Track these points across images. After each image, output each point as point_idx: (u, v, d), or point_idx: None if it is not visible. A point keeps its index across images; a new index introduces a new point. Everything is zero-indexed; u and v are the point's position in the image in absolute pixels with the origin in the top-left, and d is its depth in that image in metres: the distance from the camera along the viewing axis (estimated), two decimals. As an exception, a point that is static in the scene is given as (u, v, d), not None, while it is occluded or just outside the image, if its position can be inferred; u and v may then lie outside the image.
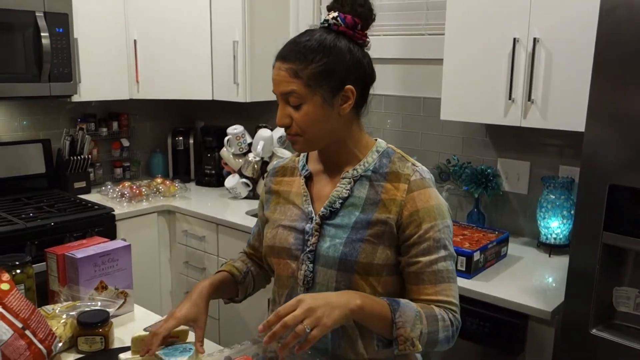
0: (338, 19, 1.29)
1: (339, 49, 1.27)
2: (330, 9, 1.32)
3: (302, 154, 1.48)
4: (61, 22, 2.88)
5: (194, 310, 1.37)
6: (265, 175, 1.55)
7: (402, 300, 1.25)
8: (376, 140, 1.41)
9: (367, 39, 1.34)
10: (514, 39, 2.17)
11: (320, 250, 1.33)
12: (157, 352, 1.32)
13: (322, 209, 1.35)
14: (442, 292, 1.28)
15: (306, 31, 1.32)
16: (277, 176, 1.50)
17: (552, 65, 2.11)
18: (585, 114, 1.69)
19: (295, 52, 1.27)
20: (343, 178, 1.36)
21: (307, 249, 1.34)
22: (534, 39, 2.12)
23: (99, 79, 3.17)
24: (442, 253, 1.29)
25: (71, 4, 2.92)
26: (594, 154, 1.68)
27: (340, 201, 1.34)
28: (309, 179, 1.43)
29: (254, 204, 3.18)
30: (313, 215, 1.36)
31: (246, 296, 1.57)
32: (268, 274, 1.59)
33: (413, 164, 1.35)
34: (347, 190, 1.34)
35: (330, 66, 1.26)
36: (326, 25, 1.31)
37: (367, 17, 1.31)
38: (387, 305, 1.23)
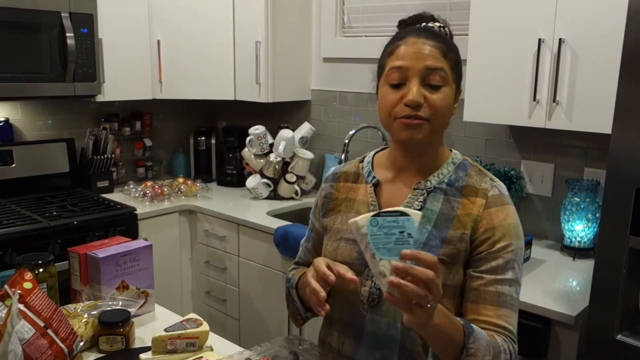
0: (446, 29, 1.30)
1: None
2: (413, 22, 1.31)
3: (366, 160, 1.40)
4: (86, 22, 2.91)
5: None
6: (324, 180, 1.47)
7: (474, 326, 1.15)
8: (452, 151, 1.35)
9: None
10: (539, 39, 2.14)
11: None
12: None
13: None
14: (504, 318, 1.20)
15: (424, 26, 1.29)
16: (338, 182, 1.42)
17: (577, 66, 2.08)
18: (611, 116, 1.65)
19: (438, 36, 1.23)
20: (415, 189, 1.29)
21: None
22: (560, 39, 2.09)
23: (122, 79, 3.20)
24: (510, 276, 1.21)
25: (96, 5, 2.95)
26: (621, 156, 1.64)
27: None
28: (376, 187, 1.34)
29: (275, 205, 3.19)
30: None
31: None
32: None
33: (491, 179, 1.30)
34: (419, 202, 1.27)
35: (460, 62, 1.27)
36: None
37: (451, 36, 1.33)
38: (462, 327, 1.12)
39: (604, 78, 2.00)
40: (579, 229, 2.35)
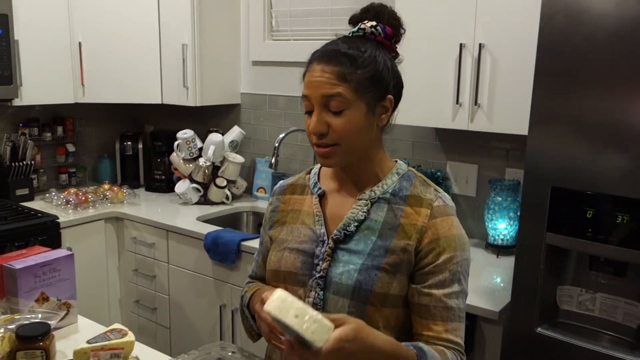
0: (378, 28, 1.25)
1: (382, 58, 1.23)
2: (360, 19, 1.28)
3: (313, 172, 1.40)
4: (0, 23, 2.79)
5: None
6: (272, 194, 1.46)
7: (424, 348, 1.17)
8: (397, 161, 1.35)
9: (399, 53, 1.31)
10: (461, 44, 2.21)
11: (332, 277, 1.24)
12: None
13: (335, 231, 1.27)
14: (452, 332, 1.21)
15: (340, 38, 1.26)
16: (285, 194, 1.41)
17: (497, 70, 2.16)
18: (528, 118, 1.73)
19: (341, 56, 1.19)
20: (359, 199, 1.28)
21: (317, 275, 1.25)
22: (480, 44, 2.16)
23: (42, 82, 3.08)
24: (456, 288, 1.23)
25: (11, 5, 2.83)
26: (537, 157, 1.72)
27: (356, 224, 1.26)
28: (322, 198, 1.34)
29: (206, 210, 3.14)
30: (325, 237, 1.28)
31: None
32: None
33: (436, 190, 1.29)
34: (363, 212, 1.26)
35: (378, 73, 1.21)
36: (361, 33, 1.25)
37: (399, 30, 1.30)
38: (415, 356, 1.14)
39: (521, 81, 2.08)
40: (502, 227, 2.43)
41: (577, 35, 1.60)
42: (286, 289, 1.22)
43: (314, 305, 1.25)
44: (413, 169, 1.35)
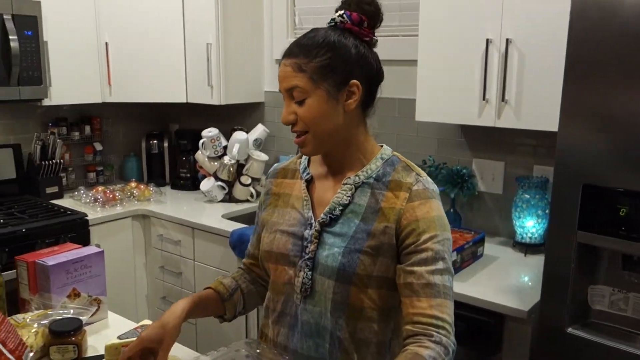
0: (344, 15, 1.29)
1: (344, 44, 1.27)
2: (337, 10, 1.32)
3: (304, 157, 1.44)
4: (30, 24, 2.83)
5: (160, 331, 1.28)
6: (266, 177, 1.52)
7: None
8: (382, 146, 1.38)
9: (375, 37, 1.33)
10: (487, 39, 2.18)
11: (319, 259, 1.29)
12: None
13: (321, 215, 1.32)
14: (437, 308, 1.20)
15: (312, 29, 1.32)
16: (277, 177, 1.47)
17: (524, 65, 2.13)
18: (558, 114, 1.70)
19: (300, 47, 1.27)
20: (344, 184, 1.33)
21: (306, 256, 1.31)
22: (507, 39, 2.14)
23: (70, 82, 3.12)
24: (440, 265, 1.23)
25: (40, 7, 2.87)
26: (568, 153, 1.69)
27: (340, 208, 1.30)
28: (310, 183, 1.39)
29: (230, 207, 3.16)
30: (312, 221, 1.33)
31: (236, 315, 1.50)
32: (261, 291, 1.51)
33: (417, 174, 1.32)
34: (347, 197, 1.31)
35: (335, 60, 1.25)
36: (333, 24, 1.31)
37: (373, 15, 1.31)
38: None
39: (550, 77, 2.05)
40: (530, 226, 2.41)
41: (610, 28, 1.57)
42: (278, 269, 1.35)
43: (303, 285, 1.30)
44: (398, 154, 1.38)
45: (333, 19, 1.31)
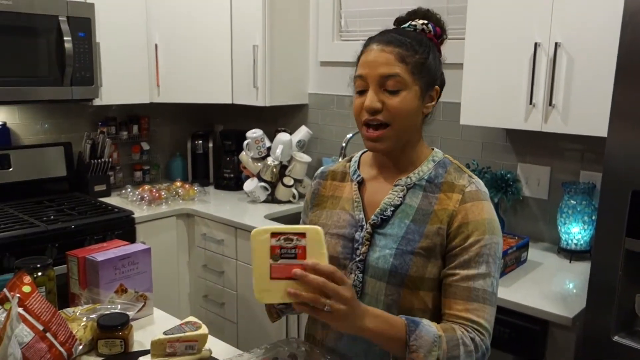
0: (429, 26, 1.33)
1: (434, 50, 1.32)
2: (407, 20, 1.35)
3: (353, 160, 1.45)
4: (84, 26, 2.92)
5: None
6: (313, 178, 1.53)
7: (423, 322, 1.19)
8: (433, 149, 1.39)
9: (442, 54, 1.38)
10: (535, 43, 2.15)
11: (370, 261, 1.30)
12: None
13: (372, 216, 1.32)
14: (474, 312, 1.21)
15: (392, 29, 1.34)
16: (326, 180, 1.47)
17: (573, 69, 2.09)
18: (607, 119, 1.66)
19: (400, 40, 1.27)
20: (396, 185, 1.33)
21: (357, 259, 1.31)
22: (556, 43, 2.10)
23: (120, 82, 3.20)
24: (482, 270, 1.23)
25: (94, 9, 2.95)
26: (617, 159, 1.65)
27: (392, 209, 1.31)
28: (361, 185, 1.40)
29: (273, 208, 3.19)
30: (364, 222, 1.33)
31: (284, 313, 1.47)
32: None
33: (470, 176, 1.33)
34: (399, 197, 1.32)
35: (431, 62, 1.30)
36: (412, 29, 1.33)
37: (444, 32, 1.38)
38: (404, 326, 1.17)
39: (599, 81, 2.01)
40: (575, 232, 2.36)
41: (663, 33, 1.53)
42: None
43: (354, 287, 1.29)
44: (449, 157, 1.39)
45: (413, 26, 1.33)
